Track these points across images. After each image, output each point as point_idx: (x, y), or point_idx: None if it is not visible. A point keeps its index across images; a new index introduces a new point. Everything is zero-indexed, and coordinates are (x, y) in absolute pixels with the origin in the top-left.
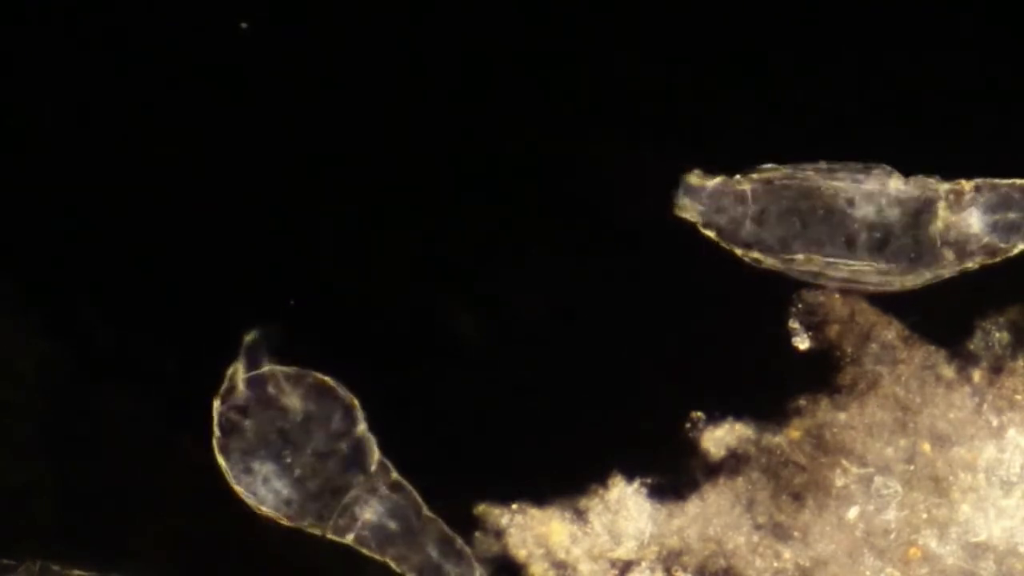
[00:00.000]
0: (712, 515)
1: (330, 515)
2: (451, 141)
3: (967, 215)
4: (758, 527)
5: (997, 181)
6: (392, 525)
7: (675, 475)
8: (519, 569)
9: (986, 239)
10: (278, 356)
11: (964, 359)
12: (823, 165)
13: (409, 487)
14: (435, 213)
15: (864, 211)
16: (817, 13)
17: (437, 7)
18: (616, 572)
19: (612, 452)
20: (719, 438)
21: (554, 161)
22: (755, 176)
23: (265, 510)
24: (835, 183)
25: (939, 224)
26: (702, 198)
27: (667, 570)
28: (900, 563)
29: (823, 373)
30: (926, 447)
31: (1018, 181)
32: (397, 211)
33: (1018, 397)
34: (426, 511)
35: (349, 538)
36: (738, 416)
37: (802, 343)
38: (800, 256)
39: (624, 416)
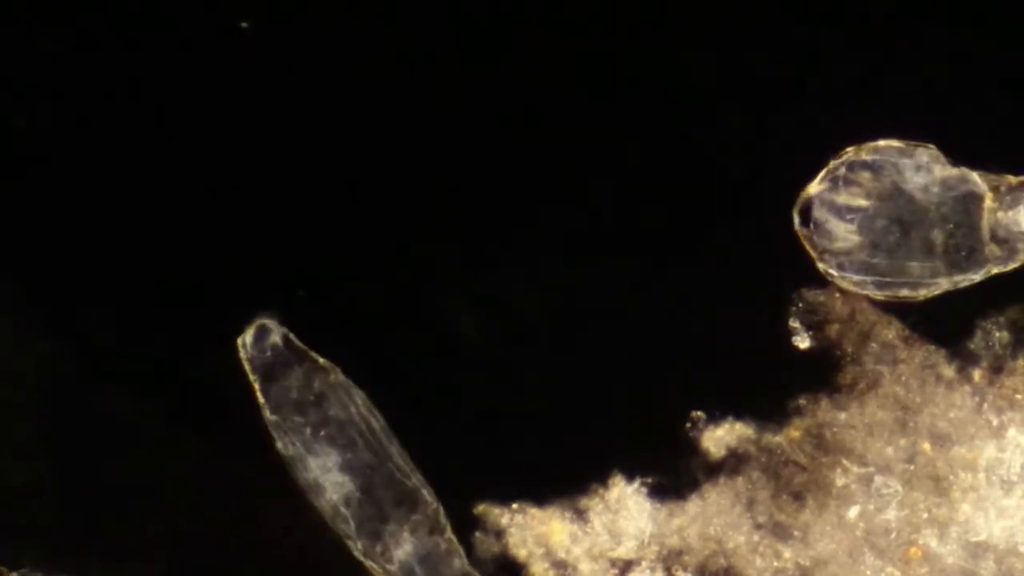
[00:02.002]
0: (712, 514)
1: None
2: (452, 137)
3: (1016, 212)
4: (758, 526)
5: None
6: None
7: (675, 475)
8: (519, 569)
9: None
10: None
11: (964, 359)
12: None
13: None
14: (435, 211)
15: (914, 184)
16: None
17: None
18: (616, 572)
19: (612, 451)
20: (719, 437)
21: (553, 158)
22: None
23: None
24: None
25: (988, 219)
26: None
27: (667, 569)
28: (900, 563)
29: (823, 372)
30: (926, 446)
31: None
32: (396, 209)
33: (1018, 396)
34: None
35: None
36: (738, 415)
37: (802, 342)
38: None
39: (624, 415)
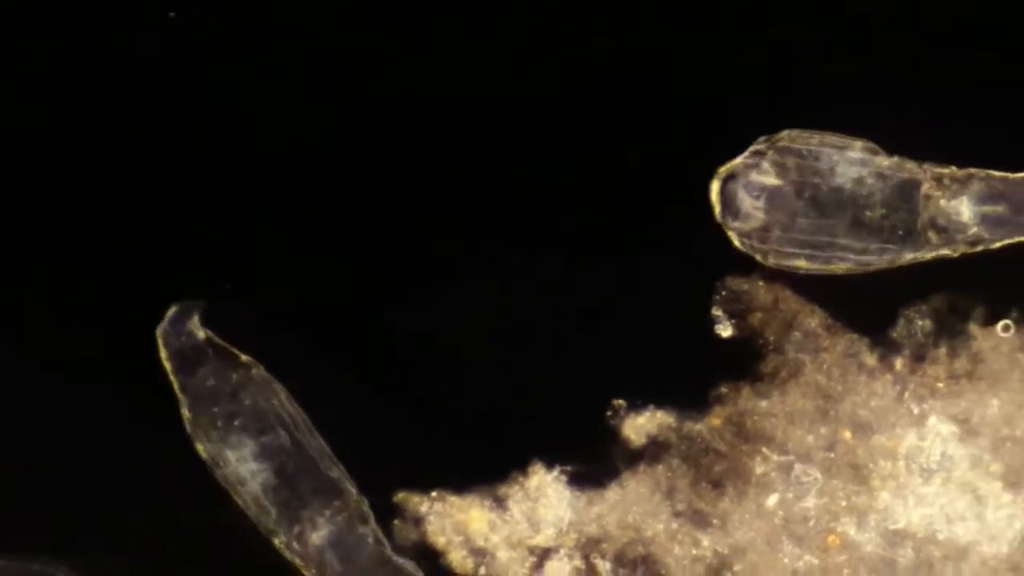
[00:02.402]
0: (631, 502)
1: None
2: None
3: (958, 203)
4: (677, 514)
5: (991, 172)
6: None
7: (595, 462)
8: (438, 556)
9: (974, 229)
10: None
11: (886, 347)
12: (807, 134)
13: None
14: (374, 211)
15: (844, 177)
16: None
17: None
18: (535, 559)
19: (532, 439)
20: (640, 426)
21: (479, 156)
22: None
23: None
24: (821, 150)
25: (929, 208)
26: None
27: (586, 557)
28: (819, 550)
29: (745, 361)
30: (847, 435)
31: (1011, 175)
32: (341, 206)
33: (940, 385)
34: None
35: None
36: (659, 403)
37: (725, 331)
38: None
39: (544, 403)
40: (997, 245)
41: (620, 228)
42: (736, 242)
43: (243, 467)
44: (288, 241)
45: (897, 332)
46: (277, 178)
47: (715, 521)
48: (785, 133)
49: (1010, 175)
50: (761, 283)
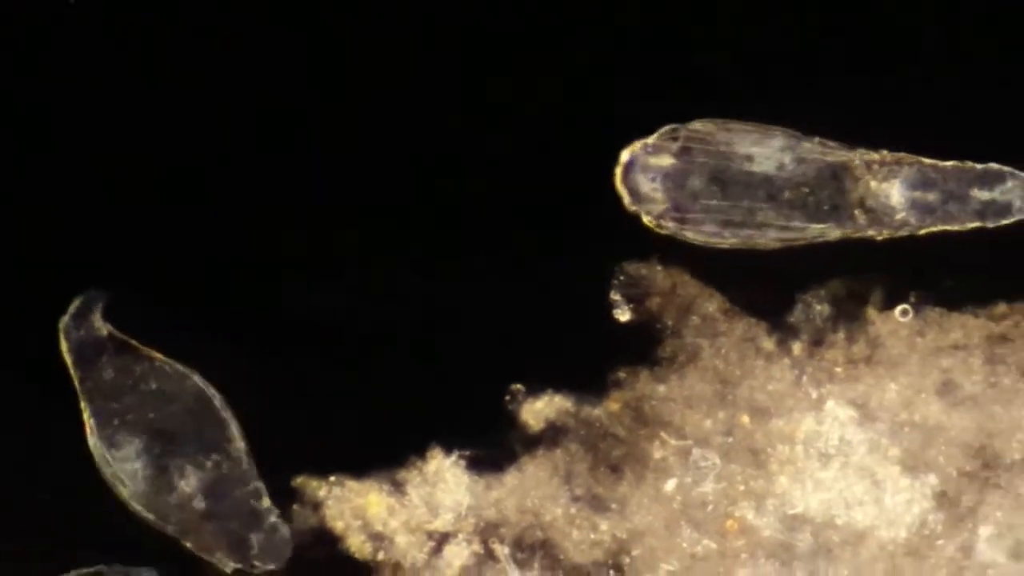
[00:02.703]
0: (530, 487)
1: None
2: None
3: (889, 186)
4: (576, 499)
5: (923, 160)
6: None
7: (494, 447)
8: (336, 541)
9: (902, 214)
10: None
11: (784, 332)
12: (720, 123)
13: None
14: (272, 200)
15: (762, 160)
16: None
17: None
18: (433, 544)
19: (430, 424)
20: (538, 410)
21: (375, 141)
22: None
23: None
24: (733, 136)
25: (859, 188)
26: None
27: (484, 542)
28: (717, 535)
29: (643, 345)
30: (745, 419)
31: (942, 163)
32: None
33: (837, 370)
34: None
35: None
36: (557, 388)
37: (623, 315)
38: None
39: (442, 388)
40: (923, 232)
41: (520, 215)
42: (653, 226)
43: (128, 465)
44: (183, 235)
45: (795, 317)
46: (171, 171)
47: (613, 505)
48: (697, 122)
49: (940, 163)
50: (659, 268)
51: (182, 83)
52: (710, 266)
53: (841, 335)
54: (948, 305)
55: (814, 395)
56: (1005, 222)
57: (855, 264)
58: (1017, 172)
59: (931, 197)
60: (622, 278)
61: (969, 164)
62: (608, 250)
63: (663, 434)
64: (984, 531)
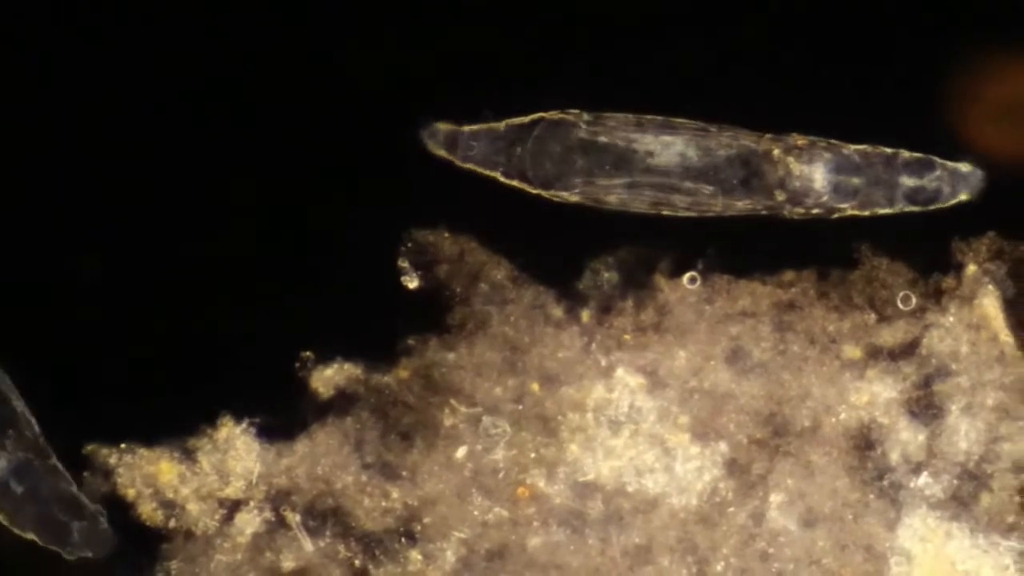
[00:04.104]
0: (321, 455)
1: None
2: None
3: (812, 169)
4: (367, 466)
5: (846, 145)
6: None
7: (284, 415)
8: (128, 508)
9: (824, 197)
10: None
11: (573, 299)
12: (631, 118)
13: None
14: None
15: (665, 160)
16: None
17: None
18: (225, 512)
19: (220, 391)
20: (328, 378)
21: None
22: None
23: None
24: (634, 135)
25: (778, 169)
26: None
27: (276, 509)
28: (508, 502)
29: (432, 313)
30: (535, 387)
31: (865, 148)
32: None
33: (626, 337)
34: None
35: None
36: (347, 356)
37: (411, 282)
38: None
39: (232, 355)
40: (835, 216)
41: (310, 181)
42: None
43: None
44: None
45: (583, 284)
46: None
47: (404, 473)
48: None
49: (868, 148)
50: (447, 235)
51: None
52: (498, 233)
53: (630, 302)
54: (736, 272)
55: (603, 362)
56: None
57: (642, 231)
58: (944, 161)
59: (856, 181)
60: (410, 245)
61: (895, 151)
62: (396, 218)
63: (453, 401)
64: (775, 498)
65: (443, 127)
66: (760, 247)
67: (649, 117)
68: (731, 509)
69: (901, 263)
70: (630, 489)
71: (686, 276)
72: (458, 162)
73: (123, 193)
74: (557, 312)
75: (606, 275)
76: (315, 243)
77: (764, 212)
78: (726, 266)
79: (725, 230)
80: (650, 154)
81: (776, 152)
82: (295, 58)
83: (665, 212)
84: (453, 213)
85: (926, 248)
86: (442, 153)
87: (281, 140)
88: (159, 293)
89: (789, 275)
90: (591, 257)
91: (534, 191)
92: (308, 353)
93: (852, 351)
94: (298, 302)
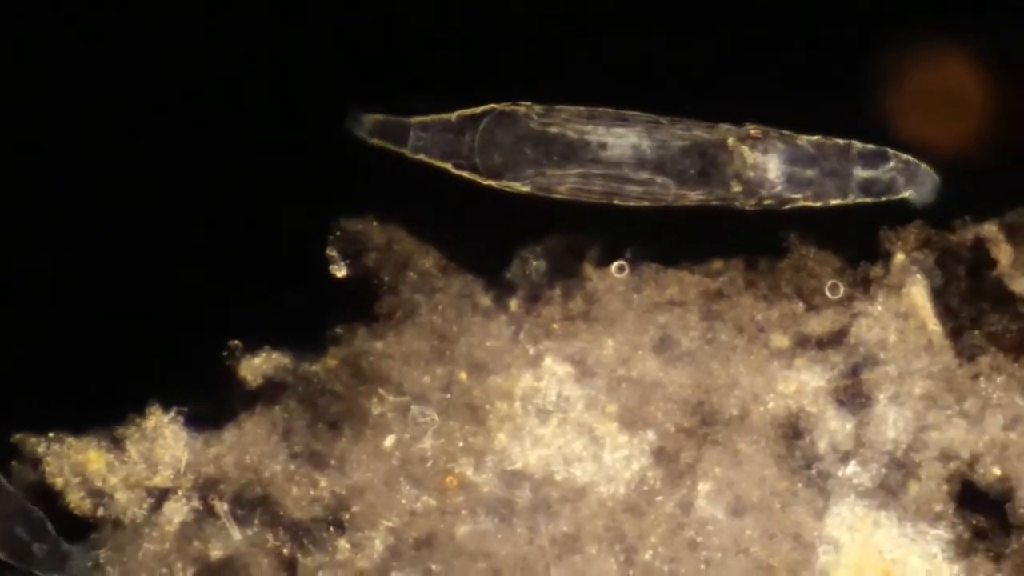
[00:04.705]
0: (249, 443)
1: None
2: None
3: (767, 159)
4: (295, 455)
5: (800, 135)
6: None
7: (212, 404)
8: (56, 497)
9: (778, 187)
10: None
11: (501, 288)
12: (583, 110)
13: None
14: None
15: (618, 152)
16: None
17: None
18: (153, 500)
19: (148, 380)
20: (256, 367)
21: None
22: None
23: None
24: (586, 127)
25: (735, 160)
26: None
27: (204, 498)
28: (436, 491)
29: (361, 302)
30: (463, 376)
31: (819, 138)
32: None
33: (554, 326)
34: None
35: None
36: (275, 344)
37: (339, 271)
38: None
39: (161, 344)
40: (787, 207)
41: (240, 168)
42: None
43: None
44: None
45: (512, 273)
46: None
47: (332, 462)
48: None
49: (822, 139)
50: (375, 224)
51: None
52: (426, 222)
53: (558, 291)
54: (664, 261)
55: (532, 351)
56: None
57: (570, 220)
58: (898, 153)
59: (809, 173)
60: (338, 234)
61: (848, 142)
62: (327, 207)
63: (381, 390)
64: (703, 487)
65: (383, 119)
66: (688, 236)
67: (601, 110)
68: (659, 498)
69: (829, 252)
70: (558, 478)
71: (614, 265)
72: (408, 153)
73: (48, 182)
74: (485, 301)
75: (534, 264)
76: (243, 231)
77: (716, 203)
78: (654, 255)
79: (655, 219)
80: (603, 146)
81: (731, 141)
82: (225, 44)
83: (616, 202)
84: (382, 202)
85: (854, 237)
86: (386, 145)
87: (209, 130)
88: (87, 282)
89: (717, 264)
90: (520, 246)
91: (485, 182)
92: (236, 342)
93: (780, 340)
94: (226, 291)
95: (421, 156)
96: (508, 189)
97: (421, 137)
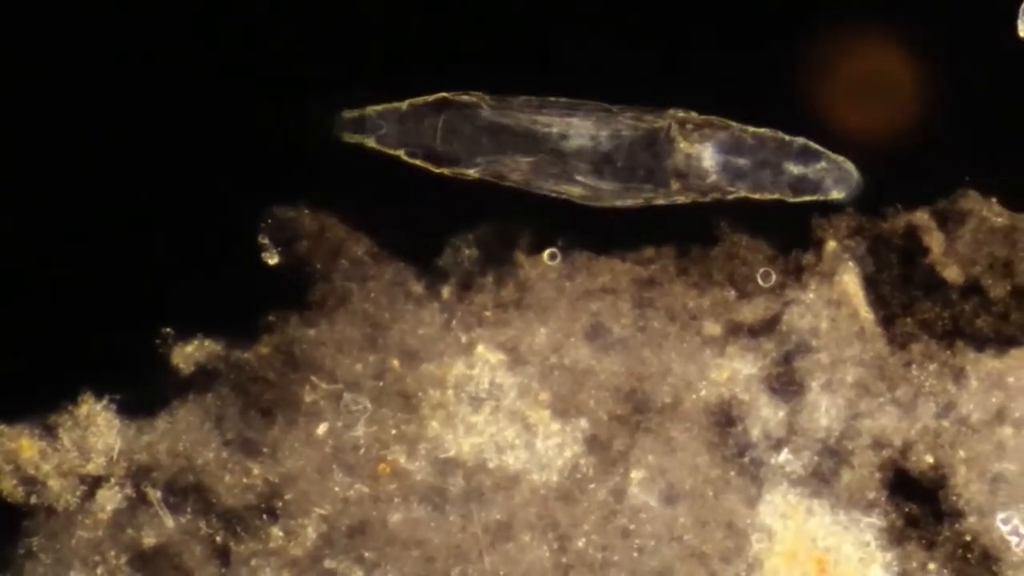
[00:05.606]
0: (181, 431)
1: None
2: None
3: (701, 149)
4: (227, 443)
5: (736, 124)
6: None
7: (145, 391)
8: None
9: (713, 177)
10: None
11: (433, 276)
12: (534, 100)
13: None
14: None
15: (578, 143)
16: None
17: None
18: (85, 488)
19: (81, 368)
20: (188, 354)
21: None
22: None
23: None
24: (540, 117)
25: (676, 154)
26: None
27: (136, 486)
28: (369, 479)
29: (293, 289)
30: (395, 363)
31: (756, 129)
32: None
33: (487, 314)
34: None
35: None
36: (207, 332)
37: (271, 258)
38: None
39: (92, 331)
40: (731, 198)
41: (170, 159)
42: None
43: None
44: None
45: (444, 260)
46: None
47: (265, 450)
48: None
49: (755, 129)
50: (307, 211)
51: None
52: (358, 210)
53: (490, 279)
54: (596, 249)
55: (464, 339)
56: (810, 199)
57: (502, 207)
58: (832, 153)
59: (742, 162)
60: (270, 221)
61: (785, 136)
62: (259, 194)
63: (314, 378)
64: (636, 475)
65: (358, 114)
66: (620, 224)
67: (552, 99)
68: (592, 486)
69: (761, 240)
70: (491, 466)
71: (546, 252)
72: (372, 144)
73: None
74: (417, 289)
75: (466, 252)
76: (175, 219)
77: (663, 202)
78: (586, 243)
79: (587, 207)
80: (563, 136)
81: (673, 127)
82: (163, 37)
83: (563, 190)
84: (314, 189)
85: (786, 225)
86: (354, 138)
87: (139, 116)
88: (18, 270)
89: (649, 252)
90: (452, 234)
91: (438, 170)
92: (168, 329)
93: (712, 328)
94: (158, 278)
95: (379, 146)
96: (460, 177)
97: (380, 126)
